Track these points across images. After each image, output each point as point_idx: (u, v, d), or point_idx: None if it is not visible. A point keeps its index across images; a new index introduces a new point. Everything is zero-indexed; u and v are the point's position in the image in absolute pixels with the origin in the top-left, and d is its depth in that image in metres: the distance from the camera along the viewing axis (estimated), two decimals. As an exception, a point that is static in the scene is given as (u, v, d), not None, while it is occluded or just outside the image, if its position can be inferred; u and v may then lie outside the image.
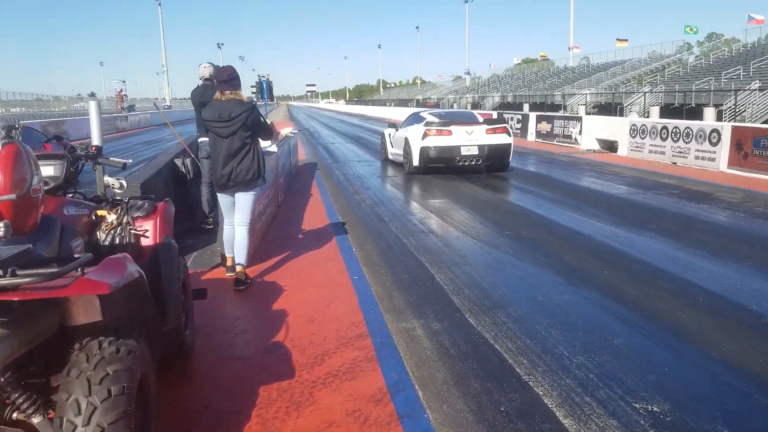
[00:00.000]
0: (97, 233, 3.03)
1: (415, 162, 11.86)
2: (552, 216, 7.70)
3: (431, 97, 71.29)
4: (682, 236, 6.49)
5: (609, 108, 36.84)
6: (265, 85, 27.93)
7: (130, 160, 3.69)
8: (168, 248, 3.08)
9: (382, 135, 15.12)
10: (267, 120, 5.16)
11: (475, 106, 54.85)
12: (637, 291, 4.67)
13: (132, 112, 39.43)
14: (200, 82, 6.90)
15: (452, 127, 11.77)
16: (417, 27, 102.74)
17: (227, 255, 5.12)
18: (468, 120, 12.45)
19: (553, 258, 5.68)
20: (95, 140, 3.79)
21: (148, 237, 3.10)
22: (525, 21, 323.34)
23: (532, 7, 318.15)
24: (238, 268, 4.75)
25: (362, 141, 22.21)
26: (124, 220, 3.08)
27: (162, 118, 10.70)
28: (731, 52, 40.49)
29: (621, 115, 32.53)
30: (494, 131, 11.95)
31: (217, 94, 4.70)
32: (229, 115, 4.53)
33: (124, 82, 59.77)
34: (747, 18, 43.06)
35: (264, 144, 6.27)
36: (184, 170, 7.37)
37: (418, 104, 61.36)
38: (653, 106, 32.48)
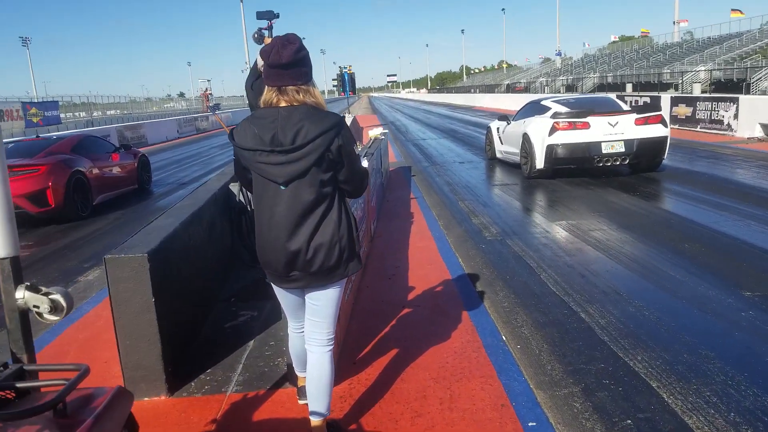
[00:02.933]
0: None
1: (539, 164, 9.25)
2: (795, 256, 4.89)
3: (520, 81, 66.91)
4: None
5: (728, 86, 32.19)
6: (347, 78, 26.04)
7: None
8: None
9: (488, 129, 12.54)
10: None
11: (570, 88, 50.70)
12: None
13: (216, 112, 39.09)
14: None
15: (590, 119, 9.05)
16: (503, 9, 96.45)
17: (298, 373, 2.91)
18: (609, 108, 9.60)
19: None
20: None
21: None
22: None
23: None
24: (316, 421, 2.48)
25: (457, 135, 19.58)
26: None
27: (218, 122, 8.78)
28: None
29: (747, 92, 27.89)
30: (645, 121, 9.12)
31: (268, 94, 2.24)
32: (294, 138, 2.14)
33: (209, 80, 60.32)
34: None
35: None
36: (243, 200, 5.28)
37: (508, 89, 57.61)
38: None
